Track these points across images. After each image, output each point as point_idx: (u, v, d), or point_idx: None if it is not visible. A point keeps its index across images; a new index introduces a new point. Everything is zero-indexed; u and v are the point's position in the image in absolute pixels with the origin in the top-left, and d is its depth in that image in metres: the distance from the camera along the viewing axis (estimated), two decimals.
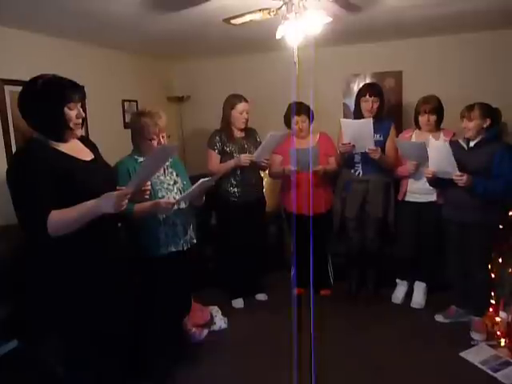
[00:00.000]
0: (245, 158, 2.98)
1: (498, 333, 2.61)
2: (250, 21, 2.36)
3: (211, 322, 2.94)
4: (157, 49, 3.89)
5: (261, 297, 3.39)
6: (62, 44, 3.23)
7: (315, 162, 3.01)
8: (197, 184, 2.13)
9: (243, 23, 2.40)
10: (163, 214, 2.18)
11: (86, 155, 1.72)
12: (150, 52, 4.04)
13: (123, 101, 3.93)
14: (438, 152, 2.61)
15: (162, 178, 2.26)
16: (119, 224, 1.95)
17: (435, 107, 2.91)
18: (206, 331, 2.70)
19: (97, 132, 3.38)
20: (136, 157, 2.25)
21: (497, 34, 3.60)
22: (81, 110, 1.66)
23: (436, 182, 2.72)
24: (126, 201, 1.58)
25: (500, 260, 2.66)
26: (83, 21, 2.75)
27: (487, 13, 3.00)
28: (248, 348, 2.69)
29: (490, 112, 2.60)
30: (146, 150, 2.22)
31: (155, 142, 2.20)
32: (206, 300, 3.04)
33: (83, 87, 1.68)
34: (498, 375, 2.32)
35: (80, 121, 1.66)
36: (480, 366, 2.41)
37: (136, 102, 4.05)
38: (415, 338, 2.73)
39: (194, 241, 2.39)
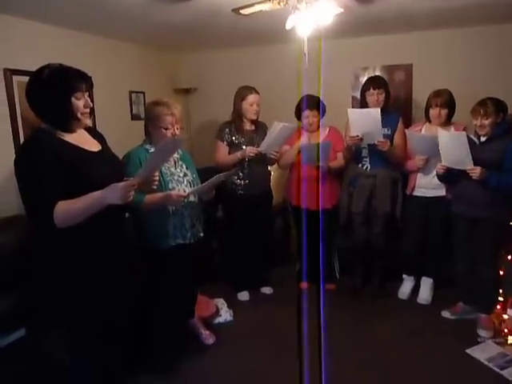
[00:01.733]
0: (250, 150, 2.96)
1: (506, 330, 2.59)
2: (260, 11, 2.33)
3: (217, 314, 2.95)
4: (164, 40, 3.86)
5: (266, 290, 3.39)
6: (70, 34, 3.21)
7: (327, 156, 2.99)
8: (213, 178, 2.14)
9: (252, 13, 2.37)
10: (174, 206, 2.18)
11: (93, 146, 1.72)
12: (157, 43, 4.01)
13: (130, 92, 3.91)
14: (453, 142, 2.56)
15: (172, 169, 2.26)
16: (126, 214, 1.95)
17: (447, 101, 2.87)
18: (213, 337, 2.70)
19: (104, 123, 3.37)
20: (147, 147, 2.25)
21: (504, 28, 3.53)
22: (88, 99, 1.65)
23: (446, 176, 2.68)
24: (133, 192, 1.57)
25: (509, 257, 2.63)
26: (90, 11, 2.73)
27: (496, 6, 2.94)
28: (253, 341, 2.69)
29: (502, 107, 2.56)
30: (158, 139, 2.20)
31: (169, 132, 2.19)
32: (211, 293, 3.05)
33: (90, 77, 1.66)
34: (505, 373, 2.30)
35: (88, 110, 1.65)
36: (486, 363, 2.40)
37: (143, 93, 4.03)
38: (421, 333, 2.71)
39: (201, 234, 2.39)
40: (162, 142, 2.03)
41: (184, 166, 2.32)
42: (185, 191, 2.21)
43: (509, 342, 2.53)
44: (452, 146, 2.56)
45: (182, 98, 4.50)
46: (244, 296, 3.29)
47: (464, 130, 2.83)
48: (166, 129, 2.18)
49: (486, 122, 2.53)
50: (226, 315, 2.98)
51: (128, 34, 3.51)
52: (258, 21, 2.72)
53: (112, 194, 1.50)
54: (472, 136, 2.64)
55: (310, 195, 3.08)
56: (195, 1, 2.55)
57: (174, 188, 2.20)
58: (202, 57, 4.47)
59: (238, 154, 3.02)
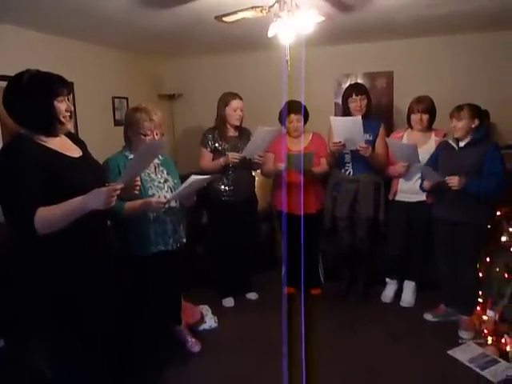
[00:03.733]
0: (233, 156, 2.97)
1: (486, 331, 2.64)
2: (243, 19, 2.35)
3: (202, 320, 2.93)
4: (148, 45, 3.85)
5: (251, 296, 3.39)
6: (51, 40, 3.18)
7: (310, 166, 3.03)
8: (188, 181, 2.10)
9: (235, 21, 2.39)
10: (154, 212, 2.16)
11: (75, 152, 1.70)
12: (141, 48, 4.00)
13: (113, 98, 3.89)
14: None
15: (152, 175, 2.24)
16: (108, 222, 1.93)
17: (428, 107, 2.93)
18: (199, 344, 2.68)
19: (86, 129, 3.34)
20: (126, 153, 2.23)
21: (486, 36, 3.64)
22: (69, 103, 1.65)
23: (430, 190, 2.76)
24: (116, 197, 1.56)
25: (488, 259, 2.69)
26: (73, 17, 2.71)
27: (476, 15, 3.03)
28: (238, 347, 2.68)
29: (478, 112, 2.63)
30: (138, 146, 2.19)
31: (148, 138, 2.18)
32: (196, 299, 3.03)
33: (70, 82, 1.66)
34: (486, 373, 2.35)
35: (69, 114, 1.64)
36: (468, 363, 2.43)
37: (126, 99, 4.01)
38: (404, 336, 2.74)
39: (184, 240, 2.37)
40: (143, 146, 2.02)
41: (165, 172, 2.31)
42: (165, 197, 2.19)
43: (489, 342, 2.58)
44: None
45: (167, 104, 4.49)
46: (229, 302, 3.28)
47: (445, 136, 2.90)
48: (145, 135, 2.17)
49: (459, 124, 2.60)
50: (210, 322, 2.96)
51: (111, 39, 3.50)
52: (241, 28, 2.75)
53: (94, 198, 1.49)
54: (451, 141, 2.71)
55: (295, 200, 3.10)
56: (179, 8, 2.56)
57: (154, 194, 2.18)
58: (187, 62, 4.48)
59: (221, 161, 3.02)
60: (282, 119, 3.22)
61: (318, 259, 3.50)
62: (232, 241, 3.18)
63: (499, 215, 2.69)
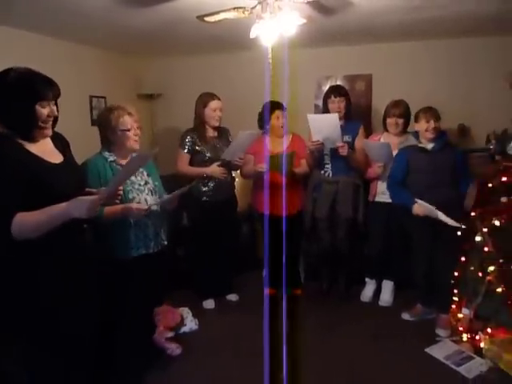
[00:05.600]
0: (221, 172, 3.00)
1: (461, 328, 2.70)
2: (225, 19, 2.34)
3: (182, 323, 2.90)
4: (128, 44, 3.80)
5: (232, 297, 3.38)
6: (27, 37, 3.09)
7: (290, 167, 3.05)
8: (176, 192, 2.11)
9: (217, 21, 2.38)
10: (135, 219, 2.11)
11: (55, 157, 1.63)
12: (120, 47, 3.93)
13: (91, 97, 3.81)
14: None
15: (132, 178, 2.18)
16: (85, 225, 1.88)
17: (403, 111, 3.00)
18: (180, 347, 2.65)
19: (62, 128, 3.20)
20: (105, 155, 2.17)
21: (462, 42, 3.75)
22: (54, 108, 1.57)
23: None
24: (99, 206, 1.53)
25: (463, 259, 2.76)
26: (50, 13, 2.65)
27: (453, 21, 3.12)
28: (219, 349, 2.67)
29: (439, 116, 2.74)
30: (120, 143, 2.14)
31: (131, 133, 2.14)
32: (176, 301, 3.00)
33: (57, 86, 1.59)
34: (461, 369, 2.41)
35: (51, 120, 1.57)
36: (444, 360, 2.50)
37: (104, 98, 3.94)
38: (383, 335, 2.79)
39: (165, 243, 2.33)
40: (133, 159, 1.99)
41: (145, 174, 2.26)
42: (146, 201, 2.15)
43: (464, 339, 2.65)
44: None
45: (146, 104, 4.43)
46: (209, 304, 3.26)
47: None
48: (128, 130, 2.13)
49: (430, 125, 2.69)
50: (191, 324, 2.93)
51: (89, 37, 3.43)
52: (223, 28, 2.74)
53: (77, 207, 1.44)
54: (421, 144, 2.77)
55: (276, 202, 3.10)
56: (160, 6, 2.54)
57: (134, 198, 2.13)
58: (168, 62, 4.43)
59: (208, 171, 3.02)
60: (261, 122, 3.22)
61: (299, 260, 3.52)
62: (212, 242, 3.16)
63: (473, 216, 2.77)
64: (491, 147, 3.26)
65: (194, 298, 3.24)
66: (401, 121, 3.00)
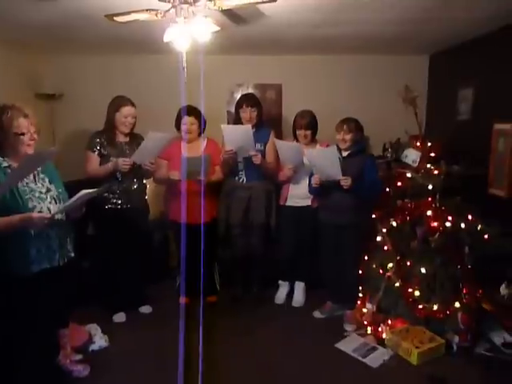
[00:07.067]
0: (123, 162, 2.82)
1: (365, 322, 2.93)
2: (136, 20, 2.25)
3: (90, 341, 2.70)
4: (26, 40, 3.44)
5: (144, 309, 3.23)
6: None
7: (207, 170, 3.01)
8: (77, 195, 1.92)
9: (128, 22, 2.28)
10: (36, 229, 1.91)
11: None
12: (14, 41, 3.54)
13: None
14: (324, 158, 2.85)
15: (32, 185, 1.97)
16: None
17: (310, 122, 3.16)
18: (88, 367, 2.48)
19: None
20: None
21: (363, 58, 4.14)
22: None
23: (319, 189, 2.96)
24: None
25: (366, 257, 3.00)
26: None
27: (356, 39, 3.44)
28: (132, 365, 2.54)
29: (359, 126, 2.96)
30: (13, 148, 1.92)
31: (27, 137, 1.93)
32: (82, 318, 2.79)
33: None
34: (367, 360, 2.61)
35: None
36: (352, 353, 2.68)
37: None
38: (297, 334, 2.91)
39: (72, 255, 2.15)
40: (28, 157, 1.79)
41: (47, 180, 2.05)
42: (49, 210, 1.96)
43: (368, 332, 2.87)
44: (323, 162, 2.84)
45: (45, 104, 4.06)
46: (120, 317, 3.09)
47: (327, 147, 3.17)
48: (22, 134, 1.92)
49: (348, 136, 2.89)
50: (100, 341, 2.75)
51: None
52: (135, 29, 2.64)
53: None
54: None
55: (190, 209, 3.05)
56: (65, 1, 2.35)
57: (35, 207, 1.93)
58: (71, 61, 4.13)
59: (110, 166, 2.85)
60: (178, 125, 3.16)
61: (214, 267, 3.50)
62: (121, 252, 3.00)
63: (375, 217, 3.03)
64: (388, 155, 3.61)
65: (102, 314, 3.04)
66: (308, 132, 3.16)
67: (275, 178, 3.28)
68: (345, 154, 2.95)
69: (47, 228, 1.96)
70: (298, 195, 3.23)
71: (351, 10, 2.63)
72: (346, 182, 2.77)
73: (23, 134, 1.92)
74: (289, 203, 3.27)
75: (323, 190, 2.94)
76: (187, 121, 3.08)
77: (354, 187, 2.78)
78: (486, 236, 2.71)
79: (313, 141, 3.24)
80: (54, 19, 2.74)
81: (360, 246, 2.95)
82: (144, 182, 3.18)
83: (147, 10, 2.16)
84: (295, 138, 3.25)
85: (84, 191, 1.94)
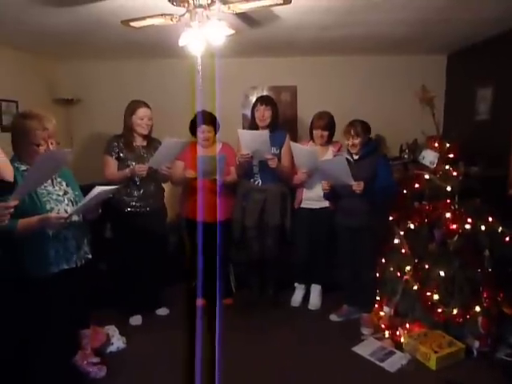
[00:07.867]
0: (139, 168, 2.86)
1: (383, 326, 2.89)
2: (151, 25, 2.28)
3: (108, 343, 2.73)
4: (44, 46, 3.53)
5: (161, 312, 3.26)
6: None
7: (223, 170, 3.02)
8: (92, 193, 1.94)
9: (143, 27, 2.31)
10: (54, 229, 1.95)
11: None
12: (35, 48, 3.64)
13: (0, 101, 3.47)
14: (333, 168, 2.83)
15: (49, 188, 2.01)
16: None
17: (328, 123, 3.14)
18: (104, 368, 2.50)
19: None
20: (16, 165, 1.97)
21: (379, 59, 4.09)
22: None
23: (332, 195, 2.94)
24: (8, 215, 1.38)
25: (383, 260, 2.96)
26: None
27: (371, 40, 3.40)
28: (148, 367, 2.55)
29: (367, 128, 2.92)
30: (30, 157, 1.97)
31: (42, 149, 1.97)
32: (101, 320, 2.82)
33: None
34: (384, 364, 2.57)
35: None
36: (369, 357, 2.64)
37: (16, 102, 3.61)
38: (313, 338, 2.88)
39: (89, 256, 2.18)
40: (41, 156, 1.82)
41: (64, 184, 2.10)
42: (67, 212, 1.99)
43: (386, 336, 2.83)
44: (334, 170, 2.82)
45: (63, 109, 4.15)
46: (136, 320, 3.11)
47: (341, 147, 3.15)
48: (38, 145, 1.96)
49: (357, 141, 2.86)
50: (118, 343, 2.77)
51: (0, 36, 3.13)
52: (150, 34, 2.67)
53: None
54: (346, 155, 2.95)
55: (205, 207, 3.07)
56: (81, 7, 2.40)
57: (52, 209, 1.97)
58: (88, 66, 4.21)
59: (127, 172, 2.89)
60: (193, 129, 3.19)
61: (229, 268, 3.51)
62: (138, 254, 3.03)
63: (391, 220, 2.99)
64: (405, 156, 3.56)
65: (120, 316, 3.07)
66: (325, 133, 3.15)
67: (290, 182, 3.27)
68: (356, 157, 2.91)
69: (64, 228, 1.99)
70: (312, 197, 3.21)
71: (362, 11, 2.62)
72: (358, 187, 2.75)
73: (39, 145, 1.95)
74: (303, 206, 3.26)
75: (337, 195, 2.92)
76: (204, 129, 3.11)
77: (367, 190, 2.75)
78: (506, 238, 2.65)
79: (329, 142, 3.22)
80: (71, 26, 2.80)
81: (376, 248, 2.92)
82: (162, 185, 3.21)
83: (162, 15, 2.19)
84: (311, 138, 3.23)
85: (99, 188, 1.95)
